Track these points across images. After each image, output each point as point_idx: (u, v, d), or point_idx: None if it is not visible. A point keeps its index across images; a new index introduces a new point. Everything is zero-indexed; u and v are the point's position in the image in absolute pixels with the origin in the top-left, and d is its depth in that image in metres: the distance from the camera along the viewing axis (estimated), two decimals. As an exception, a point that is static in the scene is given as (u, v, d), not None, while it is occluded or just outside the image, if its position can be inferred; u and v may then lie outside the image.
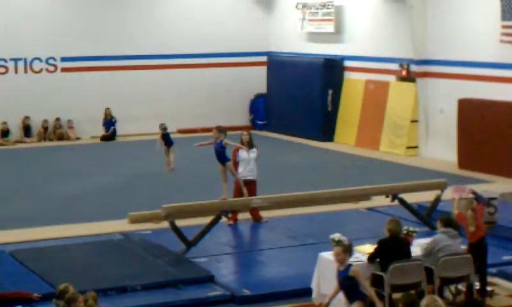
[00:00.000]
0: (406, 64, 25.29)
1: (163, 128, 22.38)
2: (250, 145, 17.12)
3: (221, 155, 17.52)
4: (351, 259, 11.83)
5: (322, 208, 17.05)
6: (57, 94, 28.83)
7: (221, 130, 17.83)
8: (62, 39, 28.78)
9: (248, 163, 16.97)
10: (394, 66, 25.77)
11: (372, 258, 11.72)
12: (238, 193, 16.87)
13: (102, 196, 19.93)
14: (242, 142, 17.14)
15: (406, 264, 11.60)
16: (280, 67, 30.28)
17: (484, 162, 21.93)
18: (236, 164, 17.08)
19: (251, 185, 16.95)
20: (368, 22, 27.11)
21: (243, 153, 16.99)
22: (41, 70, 28.89)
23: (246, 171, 16.95)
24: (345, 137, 27.53)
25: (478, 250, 12.20)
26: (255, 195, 16.52)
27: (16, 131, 28.76)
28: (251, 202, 15.79)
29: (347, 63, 28.01)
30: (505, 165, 21.38)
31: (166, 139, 22.35)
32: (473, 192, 13.22)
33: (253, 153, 17.06)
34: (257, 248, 15.66)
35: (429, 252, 12.01)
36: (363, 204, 17.71)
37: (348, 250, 11.02)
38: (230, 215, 16.03)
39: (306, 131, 28.46)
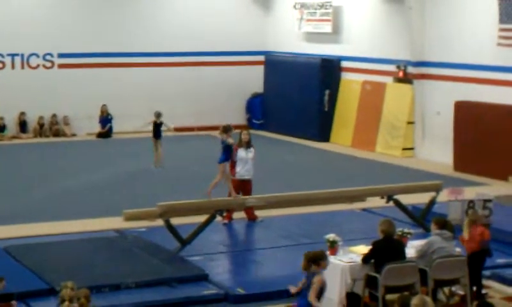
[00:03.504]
0: (403, 65, 25.28)
1: (157, 115, 22.58)
2: (248, 145, 17.12)
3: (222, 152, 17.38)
4: (346, 260, 11.83)
5: (317, 208, 17.05)
6: (54, 91, 28.78)
7: (223, 129, 17.53)
8: (59, 35, 28.74)
9: (245, 162, 16.96)
10: (391, 68, 25.77)
11: (366, 259, 11.72)
12: (234, 192, 16.84)
13: (97, 193, 19.89)
14: (240, 141, 17.10)
15: (400, 265, 11.59)
16: (277, 67, 30.25)
17: (479, 164, 21.93)
18: (234, 163, 17.07)
19: (247, 185, 16.95)
20: (366, 22, 27.10)
21: (241, 153, 16.98)
22: (38, 66, 28.84)
23: (243, 170, 16.94)
24: (342, 138, 27.51)
25: (472, 261, 12.15)
26: (251, 194, 16.52)
27: (12, 127, 28.69)
28: (246, 201, 15.78)
29: (344, 64, 28.00)
30: (500, 168, 21.38)
31: (157, 129, 22.47)
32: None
33: (251, 153, 17.06)
34: (252, 247, 15.67)
35: (423, 254, 12.01)
36: (358, 205, 17.72)
37: None
38: (224, 214, 16.01)
39: (303, 131, 28.44)
